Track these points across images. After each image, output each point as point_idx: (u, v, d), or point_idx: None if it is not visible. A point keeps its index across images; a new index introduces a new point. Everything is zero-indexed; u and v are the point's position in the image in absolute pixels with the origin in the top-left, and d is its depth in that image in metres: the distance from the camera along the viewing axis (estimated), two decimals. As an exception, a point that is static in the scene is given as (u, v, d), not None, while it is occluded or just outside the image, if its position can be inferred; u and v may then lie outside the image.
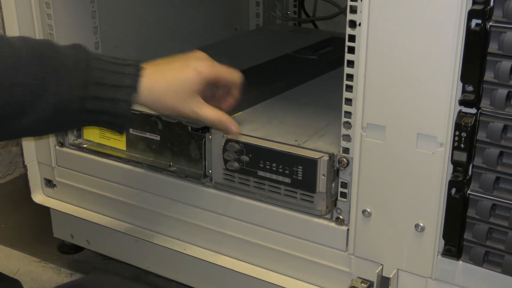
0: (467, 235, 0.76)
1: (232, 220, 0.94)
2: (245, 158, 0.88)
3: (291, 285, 0.92)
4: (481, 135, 0.71)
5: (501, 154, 0.71)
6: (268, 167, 0.87)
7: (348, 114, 0.80)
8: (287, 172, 0.86)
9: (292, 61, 1.21)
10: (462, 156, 0.72)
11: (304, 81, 1.12)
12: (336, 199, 0.85)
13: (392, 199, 0.79)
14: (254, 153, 0.88)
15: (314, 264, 0.89)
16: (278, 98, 1.05)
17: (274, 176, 0.87)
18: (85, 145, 1.07)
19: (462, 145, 0.72)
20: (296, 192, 0.87)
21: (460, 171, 0.73)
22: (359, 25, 0.74)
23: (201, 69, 0.78)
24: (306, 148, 0.85)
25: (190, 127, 0.94)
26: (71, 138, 1.08)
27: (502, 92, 0.68)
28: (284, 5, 1.58)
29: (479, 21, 0.66)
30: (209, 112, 0.79)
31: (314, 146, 0.86)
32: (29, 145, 1.13)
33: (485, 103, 0.70)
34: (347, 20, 0.76)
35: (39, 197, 1.16)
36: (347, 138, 0.81)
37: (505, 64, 0.67)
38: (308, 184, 0.85)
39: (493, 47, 0.67)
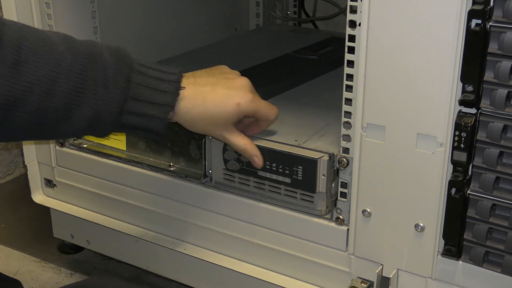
0: (467, 235, 0.76)
1: (232, 220, 0.94)
2: (245, 158, 0.88)
3: (291, 285, 0.92)
4: (481, 135, 0.71)
5: (501, 154, 0.71)
6: (268, 167, 0.87)
7: (348, 114, 0.80)
8: (287, 172, 0.86)
9: (292, 61, 1.21)
10: (462, 156, 0.72)
11: (304, 81, 1.12)
12: (336, 199, 0.85)
13: (392, 199, 0.79)
14: (254, 153, 0.88)
15: (314, 264, 0.90)
16: (278, 98, 1.05)
17: (274, 176, 0.87)
18: (85, 145, 1.07)
19: (462, 145, 0.72)
20: (296, 192, 0.87)
21: (460, 171, 0.73)
22: (359, 25, 0.74)
23: (243, 104, 0.78)
24: (306, 148, 0.85)
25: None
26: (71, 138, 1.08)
27: (502, 92, 0.68)
28: (284, 5, 1.58)
29: (479, 21, 0.66)
30: (238, 140, 0.81)
31: (314, 146, 0.86)
32: (29, 145, 1.13)
33: (485, 103, 0.70)
34: (347, 20, 0.76)
35: (39, 197, 1.16)
36: (347, 138, 0.81)
37: (505, 64, 0.67)
38: (308, 184, 0.85)
39: (493, 47, 0.67)
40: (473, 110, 0.71)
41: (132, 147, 1.01)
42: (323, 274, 0.89)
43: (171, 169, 0.97)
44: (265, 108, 0.82)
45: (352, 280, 0.86)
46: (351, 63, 0.77)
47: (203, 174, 0.94)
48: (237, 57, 1.26)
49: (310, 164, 0.84)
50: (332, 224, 0.86)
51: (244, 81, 0.81)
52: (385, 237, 0.81)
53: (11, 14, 1.03)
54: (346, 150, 0.82)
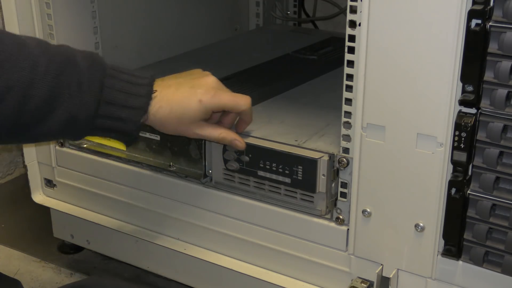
0: (467, 235, 0.76)
1: (232, 220, 0.94)
2: (245, 158, 0.88)
3: (291, 285, 0.92)
4: (481, 135, 0.71)
5: (501, 154, 0.71)
6: (268, 167, 0.87)
7: (348, 114, 0.80)
8: (287, 172, 0.86)
9: (292, 61, 1.21)
10: (462, 156, 0.72)
11: (304, 81, 1.12)
12: (336, 199, 0.85)
13: (392, 199, 0.79)
14: (254, 153, 0.88)
15: (314, 264, 0.89)
16: (278, 98, 1.05)
17: (274, 176, 0.87)
18: (85, 145, 1.07)
19: (462, 145, 0.72)
20: (296, 192, 0.87)
21: (460, 171, 0.73)
22: (359, 25, 0.74)
23: (205, 100, 0.79)
24: (306, 148, 0.85)
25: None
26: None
27: (502, 92, 0.68)
28: (284, 5, 1.58)
29: (479, 21, 0.66)
30: (212, 131, 0.83)
31: (314, 146, 0.86)
32: (29, 145, 1.13)
33: (485, 103, 0.70)
34: (347, 20, 0.76)
35: (39, 197, 1.16)
36: (347, 138, 0.81)
37: (505, 64, 0.67)
38: (308, 184, 0.85)
39: (493, 47, 0.67)
40: (473, 110, 0.71)
41: (132, 147, 1.01)
42: (323, 274, 0.89)
43: (171, 169, 0.97)
44: (230, 100, 0.82)
45: (352, 280, 0.86)
46: (351, 63, 0.77)
47: (203, 174, 0.94)
48: (237, 57, 1.26)
49: (310, 164, 0.84)
50: (332, 224, 0.86)
51: (209, 79, 0.82)
52: (385, 237, 0.81)
53: (11, 14, 1.03)
54: (346, 150, 0.82)
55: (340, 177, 0.84)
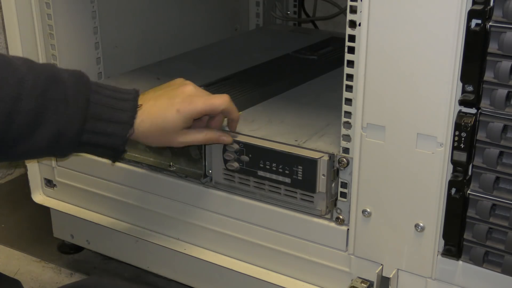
0: (467, 235, 0.76)
1: (232, 220, 0.94)
2: (245, 158, 0.88)
3: (291, 285, 0.92)
4: (481, 135, 0.71)
5: (501, 154, 0.71)
6: (268, 167, 0.87)
7: (348, 114, 0.80)
8: (287, 172, 0.86)
9: (292, 61, 1.21)
10: (462, 156, 0.72)
11: (304, 81, 1.12)
12: (336, 199, 0.85)
13: (392, 199, 0.79)
14: (254, 153, 0.88)
15: (314, 264, 0.89)
16: (278, 98, 1.05)
17: (274, 176, 0.87)
18: (85, 145, 1.06)
19: (462, 145, 0.72)
20: (296, 192, 0.87)
21: (460, 171, 0.73)
22: (359, 25, 0.74)
23: (182, 109, 0.80)
24: (306, 148, 0.85)
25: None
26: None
27: (502, 92, 0.68)
28: (284, 5, 1.58)
29: (479, 21, 0.66)
30: (196, 136, 0.83)
31: (314, 146, 0.86)
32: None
33: (485, 103, 0.70)
34: (347, 20, 0.76)
35: (39, 197, 1.16)
36: (347, 138, 0.81)
37: (505, 64, 0.67)
38: (308, 184, 0.85)
39: (493, 47, 0.67)
40: (473, 110, 0.71)
41: (132, 147, 1.01)
42: (323, 274, 0.89)
43: (171, 169, 0.97)
44: (206, 105, 0.82)
45: (352, 280, 0.86)
46: (351, 63, 0.77)
47: (203, 174, 0.94)
48: (237, 57, 1.26)
49: (310, 164, 0.84)
50: (332, 224, 0.86)
51: (186, 88, 0.82)
52: (385, 237, 0.81)
53: (11, 14, 1.03)
54: (346, 150, 0.82)
55: (340, 177, 0.84)
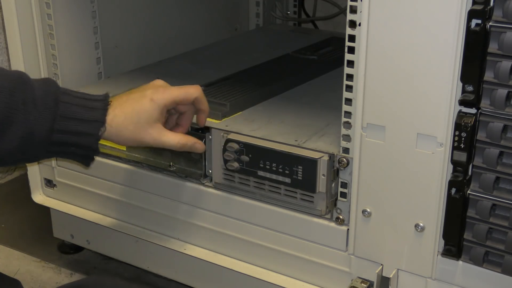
0: (467, 235, 0.76)
1: (232, 220, 0.94)
2: (245, 158, 0.88)
3: (291, 285, 0.92)
4: (481, 135, 0.71)
5: (501, 154, 0.71)
6: (268, 167, 0.87)
7: (348, 114, 0.80)
8: (287, 172, 0.86)
9: (292, 61, 1.21)
10: (462, 156, 0.72)
11: (304, 81, 1.12)
12: (336, 199, 0.85)
13: (392, 199, 0.79)
14: (254, 153, 0.88)
15: (314, 264, 0.89)
16: (278, 98, 1.05)
17: (274, 176, 0.87)
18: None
19: (462, 145, 0.72)
20: (296, 192, 0.87)
21: (460, 171, 0.73)
22: (359, 25, 0.74)
23: (155, 97, 0.80)
24: (306, 148, 0.85)
25: (190, 127, 0.94)
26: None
27: (502, 92, 0.68)
28: (284, 5, 1.58)
29: (479, 21, 0.66)
30: (171, 138, 0.82)
31: (314, 146, 0.86)
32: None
33: (485, 103, 0.70)
34: (347, 20, 0.76)
35: (39, 197, 1.16)
36: (347, 138, 0.81)
37: (505, 64, 0.67)
38: (308, 184, 0.85)
39: (493, 47, 0.67)
40: (473, 110, 0.71)
41: (132, 147, 1.01)
42: (323, 274, 0.89)
43: (171, 169, 0.97)
44: (181, 92, 0.82)
45: (352, 280, 0.86)
46: (351, 63, 0.77)
47: (203, 174, 0.94)
48: (237, 57, 1.26)
49: (310, 164, 0.84)
50: (332, 224, 0.86)
51: (156, 82, 0.83)
52: (385, 237, 0.81)
53: (11, 14, 1.03)
54: (346, 150, 0.82)
55: (340, 177, 0.84)
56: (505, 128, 0.70)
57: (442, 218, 0.77)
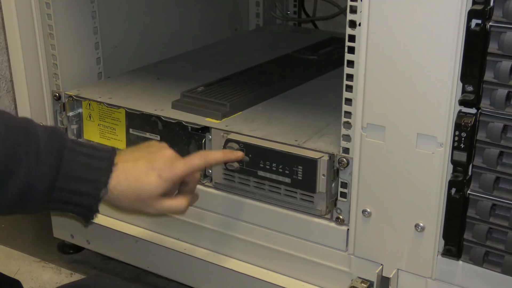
0: (467, 235, 0.76)
1: (232, 220, 0.94)
2: (245, 158, 0.88)
3: (291, 285, 0.92)
4: (481, 135, 0.71)
5: (501, 154, 0.71)
6: (268, 167, 0.87)
7: (348, 114, 0.80)
8: (287, 172, 0.86)
9: (292, 61, 1.21)
10: (462, 156, 0.72)
11: (304, 81, 1.12)
12: (336, 199, 0.85)
13: (392, 199, 0.79)
14: (254, 153, 0.88)
15: (314, 264, 0.89)
16: (278, 98, 1.05)
17: (274, 176, 0.87)
18: (85, 145, 1.06)
19: (462, 145, 0.72)
20: (296, 192, 0.87)
21: (460, 171, 0.73)
22: (359, 25, 0.74)
23: (163, 175, 0.77)
24: (306, 148, 0.85)
25: (190, 127, 0.94)
26: (71, 137, 1.08)
27: (502, 92, 0.68)
28: (284, 5, 1.58)
29: (479, 21, 0.66)
30: (172, 204, 0.80)
31: (314, 146, 0.86)
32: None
33: (485, 103, 0.70)
34: (347, 20, 0.76)
35: (39, 197, 1.16)
36: (347, 138, 0.81)
37: (505, 64, 0.67)
38: (308, 184, 0.85)
39: (493, 47, 0.67)
40: (473, 110, 0.71)
41: (132, 147, 1.01)
42: (323, 274, 0.89)
43: (171, 169, 0.97)
44: (187, 166, 0.81)
45: (352, 280, 0.86)
46: (351, 63, 0.77)
47: (203, 174, 0.94)
48: (237, 57, 1.26)
49: (310, 164, 0.84)
50: (332, 224, 0.86)
51: (166, 152, 0.80)
52: (385, 237, 0.81)
53: (11, 14, 1.03)
54: (346, 150, 0.82)
55: (340, 177, 0.84)
56: (505, 128, 0.70)
57: (442, 218, 0.77)
